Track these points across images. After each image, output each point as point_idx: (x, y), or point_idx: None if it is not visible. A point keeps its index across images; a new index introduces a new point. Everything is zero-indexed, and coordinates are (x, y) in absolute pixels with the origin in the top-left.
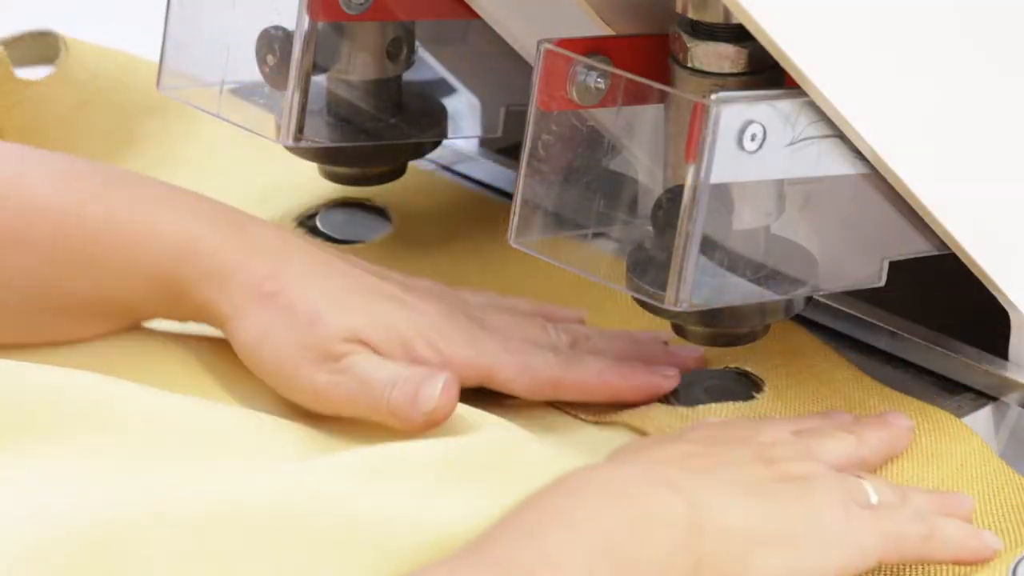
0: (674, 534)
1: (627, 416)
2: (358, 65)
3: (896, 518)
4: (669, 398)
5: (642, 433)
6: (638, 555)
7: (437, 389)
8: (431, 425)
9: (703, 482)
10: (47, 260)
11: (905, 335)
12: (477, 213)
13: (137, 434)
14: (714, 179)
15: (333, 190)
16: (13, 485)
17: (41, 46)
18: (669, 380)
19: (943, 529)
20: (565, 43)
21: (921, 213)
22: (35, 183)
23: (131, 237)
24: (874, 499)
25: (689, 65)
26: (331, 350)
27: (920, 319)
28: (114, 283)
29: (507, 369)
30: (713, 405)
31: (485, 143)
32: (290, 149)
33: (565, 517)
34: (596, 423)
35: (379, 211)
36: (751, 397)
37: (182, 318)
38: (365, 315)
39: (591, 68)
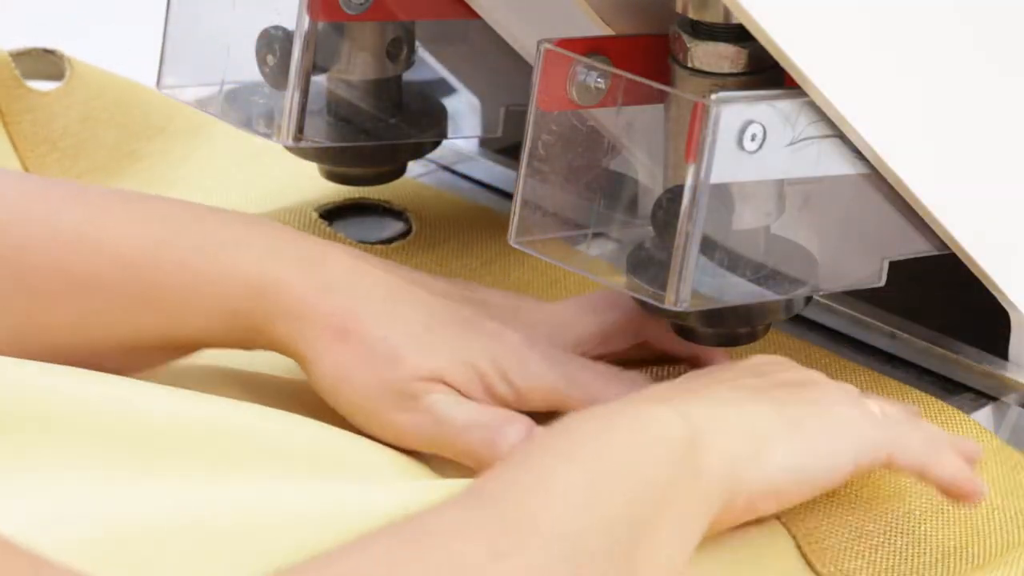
0: (673, 447)
1: None
2: (358, 65)
3: (904, 428)
4: None
5: None
6: (639, 474)
7: (512, 440)
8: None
9: (698, 397)
10: (119, 302)
11: (905, 335)
12: (478, 215)
13: (153, 436)
14: (714, 179)
15: (333, 191)
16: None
17: (47, 63)
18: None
19: (946, 454)
20: (565, 43)
21: (921, 213)
22: (109, 227)
23: (205, 278)
24: (878, 411)
25: (689, 65)
26: (410, 390)
27: (920, 319)
28: (186, 322)
29: (577, 402)
30: None
31: (485, 143)
32: (290, 149)
33: (564, 450)
34: None
35: (386, 211)
36: None
37: (254, 348)
38: (443, 354)
39: (591, 68)
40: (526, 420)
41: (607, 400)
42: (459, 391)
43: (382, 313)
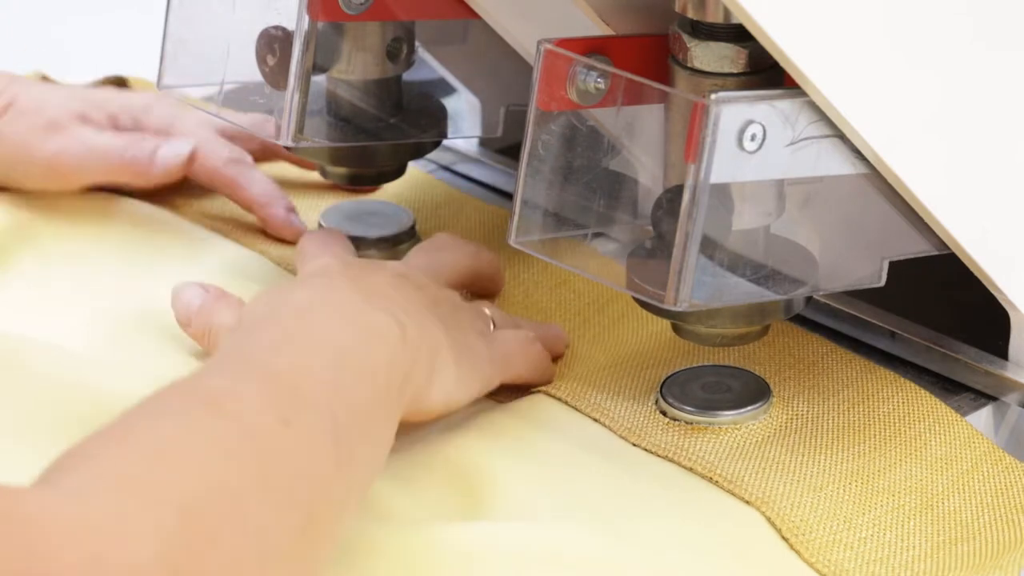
0: (393, 348)
1: (621, 430)
2: (358, 65)
3: (512, 356)
4: (667, 400)
5: (632, 444)
6: (369, 361)
7: (175, 153)
8: (165, 176)
9: (394, 302)
10: None
11: (905, 335)
12: (483, 215)
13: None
14: (714, 179)
15: (334, 191)
16: None
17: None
18: (291, 231)
19: (541, 369)
20: (565, 43)
21: (921, 213)
22: None
23: None
24: (492, 326)
25: (689, 65)
26: (57, 120)
27: (920, 319)
28: None
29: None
30: (731, 414)
31: (485, 143)
32: (290, 149)
33: (305, 333)
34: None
35: (387, 211)
36: (762, 395)
37: None
38: (82, 103)
39: (591, 68)
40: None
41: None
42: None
43: (32, 86)
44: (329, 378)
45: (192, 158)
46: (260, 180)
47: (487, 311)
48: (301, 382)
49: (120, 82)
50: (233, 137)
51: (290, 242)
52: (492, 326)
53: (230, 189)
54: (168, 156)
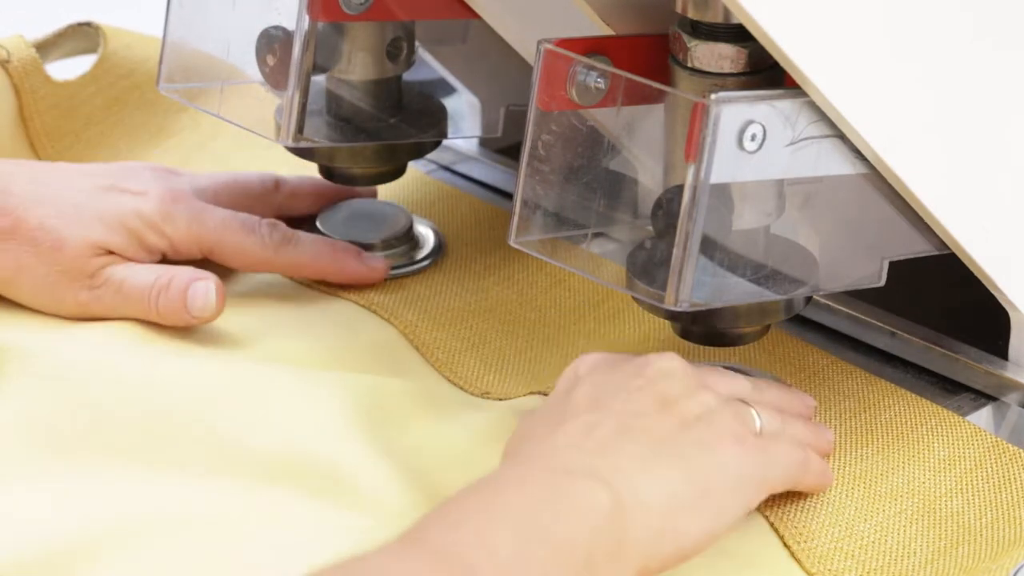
0: (597, 519)
1: None
2: (358, 65)
3: (781, 446)
4: None
5: None
6: (565, 539)
7: (211, 296)
8: (201, 323)
9: (615, 460)
10: None
11: (905, 335)
12: (481, 215)
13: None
14: (714, 179)
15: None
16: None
17: (79, 40)
18: (376, 272)
19: (812, 459)
20: (565, 43)
21: (921, 213)
22: None
23: None
24: (758, 425)
25: (689, 65)
26: (83, 269)
27: (920, 319)
28: None
29: (226, 248)
30: None
31: (485, 143)
32: (290, 149)
33: (495, 510)
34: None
35: (386, 212)
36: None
37: None
38: (96, 225)
39: (591, 68)
40: (207, 273)
41: (241, 256)
42: (122, 255)
43: (33, 201)
44: (512, 556)
45: (220, 296)
46: (309, 244)
47: (753, 412)
48: (480, 562)
49: (88, 27)
50: (233, 195)
51: (373, 284)
52: (758, 422)
53: (292, 271)
54: (199, 307)
